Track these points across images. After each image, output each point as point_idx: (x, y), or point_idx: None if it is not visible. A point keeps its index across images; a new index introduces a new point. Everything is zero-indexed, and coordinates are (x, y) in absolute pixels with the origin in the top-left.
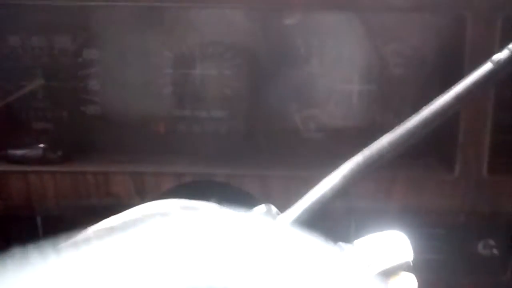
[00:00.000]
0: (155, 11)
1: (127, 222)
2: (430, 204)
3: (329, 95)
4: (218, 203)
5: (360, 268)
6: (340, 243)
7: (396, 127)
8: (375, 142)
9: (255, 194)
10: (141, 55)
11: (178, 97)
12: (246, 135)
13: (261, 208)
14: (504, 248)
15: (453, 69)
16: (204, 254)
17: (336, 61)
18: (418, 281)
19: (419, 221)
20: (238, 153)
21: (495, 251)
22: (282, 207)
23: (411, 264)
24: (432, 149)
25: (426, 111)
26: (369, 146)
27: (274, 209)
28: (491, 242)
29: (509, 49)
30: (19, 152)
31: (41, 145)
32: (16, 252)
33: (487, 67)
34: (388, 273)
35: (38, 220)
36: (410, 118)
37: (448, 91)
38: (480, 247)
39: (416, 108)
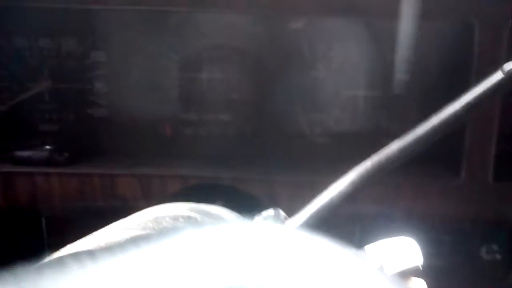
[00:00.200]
0: (162, 14)
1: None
2: (435, 210)
3: (335, 100)
4: (224, 206)
5: (378, 271)
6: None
7: (405, 133)
8: (384, 148)
9: (261, 198)
10: (148, 58)
11: (184, 100)
12: (252, 138)
13: (269, 212)
14: (507, 253)
15: (459, 76)
16: (229, 261)
17: (342, 66)
18: None
19: (424, 227)
20: (244, 157)
21: (498, 256)
22: (288, 211)
23: (421, 269)
24: (438, 155)
25: (436, 118)
26: (377, 152)
27: (282, 213)
28: (495, 247)
29: None
30: (25, 153)
31: (48, 147)
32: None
33: (497, 76)
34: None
35: (43, 221)
36: (419, 125)
37: (458, 99)
38: (483, 252)
39: (421, 114)
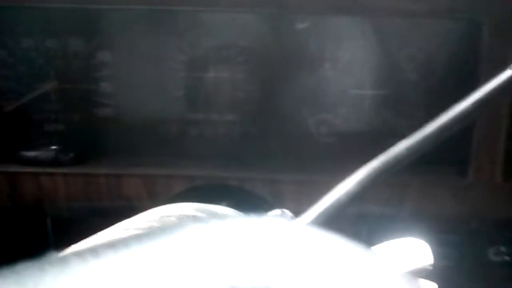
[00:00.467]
0: (168, 14)
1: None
2: (442, 210)
3: (342, 100)
4: (230, 206)
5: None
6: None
7: (414, 132)
8: (392, 147)
9: (268, 198)
10: (153, 58)
11: (190, 100)
12: (258, 138)
13: (276, 212)
14: None
15: (467, 74)
16: (237, 258)
17: (349, 65)
18: None
19: (431, 227)
20: (250, 157)
21: (506, 257)
22: (294, 211)
23: (432, 271)
24: (445, 154)
25: (445, 117)
26: (385, 152)
27: (288, 213)
28: (503, 248)
29: None
30: (31, 153)
31: (53, 147)
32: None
33: (506, 74)
34: None
35: (48, 221)
36: (427, 124)
37: (467, 98)
38: (491, 253)
39: (428, 114)
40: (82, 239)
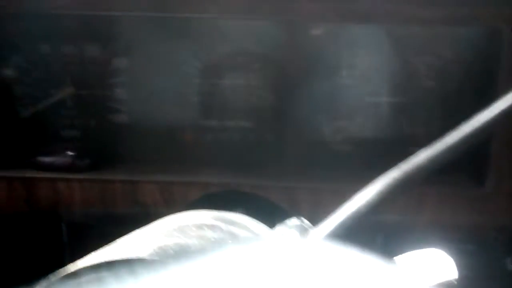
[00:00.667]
0: (184, 21)
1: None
2: (459, 220)
3: (358, 107)
4: (245, 214)
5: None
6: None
7: (433, 141)
8: (412, 156)
9: (283, 205)
10: (169, 64)
11: (205, 107)
12: (273, 145)
13: (293, 221)
14: None
15: (485, 82)
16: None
17: (365, 72)
18: None
19: (448, 236)
20: (265, 164)
21: None
22: (310, 219)
23: (456, 284)
24: (463, 164)
25: (467, 126)
26: (406, 161)
27: (306, 222)
28: None
29: None
30: (47, 159)
31: (70, 153)
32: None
33: None
34: None
35: (64, 227)
36: (448, 132)
37: (491, 106)
38: (509, 263)
39: (446, 122)
40: (97, 245)
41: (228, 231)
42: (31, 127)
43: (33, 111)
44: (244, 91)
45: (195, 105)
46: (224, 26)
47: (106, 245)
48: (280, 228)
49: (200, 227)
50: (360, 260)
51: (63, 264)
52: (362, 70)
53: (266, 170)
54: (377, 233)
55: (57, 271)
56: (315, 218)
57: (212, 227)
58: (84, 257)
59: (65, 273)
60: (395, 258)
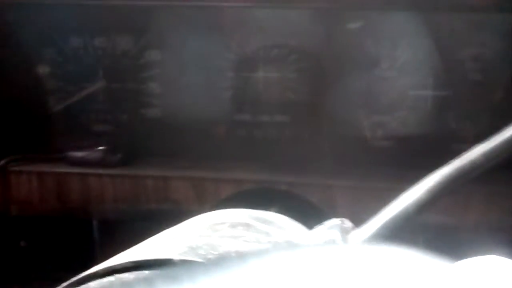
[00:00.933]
0: (218, 12)
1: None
2: (508, 221)
3: (400, 101)
4: (280, 212)
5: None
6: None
7: (493, 136)
8: (467, 152)
9: (320, 204)
10: (202, 57)
11: (239, 101)
12: (310, 141)
13: (333, 221)
14: None
15: None
16: None
17: (407, 65)
18: None
19: (495, 239)
20: (301, 160)
21: None
22: (347, 218)
23: None
24: None
25: None
26: (459, 157)
27: (348, 223)
28: None
29: None
30: (79, 154)
31: (101, 148)
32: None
33: None
34: None
35: (95, 223)
36: (509, 126)
37: None
38: None
39: (493, 116)
40: (128, 241)
41: (263, 230)
42: (62, 121)
43: (64, 105)
44: (279, 84)
45: (228, 99)
46: (259, 17)
47: (137, 243)
48: (319, 229)
49: (234, 226)
50: (421, 264)
51: (94, 260)
52: (403, 62)
53: (302, 167)
54: (418, 235)
55: (84, 271)
56: (353, 218)
57: (246, 226)
58: (114, 256)
59: (90, 274)
60: (453, 264)
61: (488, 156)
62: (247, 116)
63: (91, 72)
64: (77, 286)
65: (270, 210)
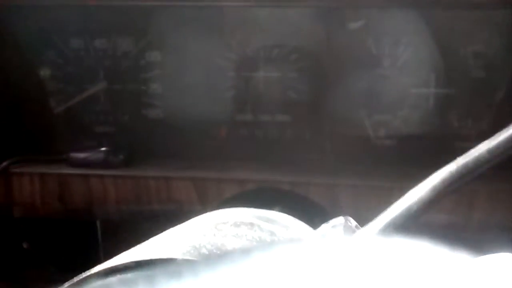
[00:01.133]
0: (217, 12)
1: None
2: None
3: (402, 100)
4: (283, 212)
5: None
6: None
7: (498, 133)
8: (472, 149)
9: (322, 203)
10: (203, 57)
11: (240, 101)
12: (311, 141)
13: (338, 220)
14: None
15: None
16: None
17: (409, 63)
18: None
19: (501, 238)
20: (303, 160)
21: None
22: (351, 217)
23: None
24: None
25: None
26: (464, 154)
27: (353, 222)
28: None
29: None
30: (81, 155)
31: (103, 149)
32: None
33: None
34: None
35: (98, 224)
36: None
37: None
38: None
39: (496, 115)
40: (131, 242)
41: (267, 229)
42: (64, 123)
43: (66, 106)
44: (280, 84)
45: (229, 99)
46: (260, 17)
47: (140, 243)
48: (324, 228)
49: (237, 225)
50: (438, 258)
51: (98, 261)
52: (404, 60)
53: (304, 166)
54: (422, 235)
55: (86, 272)
56: (356, 217)
57: (250, 225)
58: (117, 256)
59: (92, 273)
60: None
61: (493, 153)
62: (248, 116)
63: (92, 74)
64: (79, 286)
65: (273, 210)
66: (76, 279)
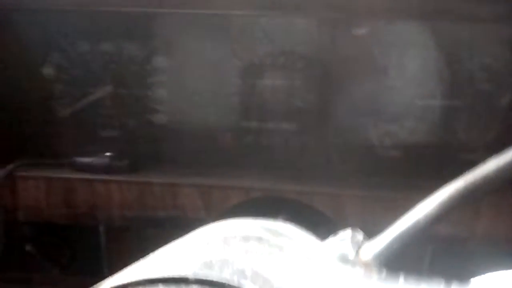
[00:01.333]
0: (225, 19)
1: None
2: None
3: (408, 110)
4: (287, 221)
5: None
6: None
7: (501, 147)
8: (480, 166)
9: (326, 212)
10: (209, 64)
11: (246, 108)
12: (316, 149)
13: (346, 233)
14: None
15: None
16: None
17: (415, 73)
18: None
19: (504, 251)
20: (308, 169)
21: None
22: (356, 227)
23: None
24: None
25: None
26: (472, 170)
27: (360, 235)
28: None
29: None
30: (86, 160)
31: (108, 154)
32: None
33: None
34: None
35: (101, 229)
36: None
37: None
38: None
39: (502, 127)
40: (134, 248)
41: (276, 244)
42: (69, 127)
43: (71, 110)
44: (286, 92)
45: (235, 106)
46: (266, 24)
47: (143, 250)
48: (331, 241)
49: (246, 239)
50: None
51: (101, 266)
52: (411, 71)
53: (309, 175)
54: (426, 246)
55: (95, 286)
56: (361, 227)
57: (258, 240)
58: (124, 269)
59: None
60: (472, 279)
61: (501, 170)
62: (253, 124)
63: (98, 78)
64: None
65: (278, 219)
66: None
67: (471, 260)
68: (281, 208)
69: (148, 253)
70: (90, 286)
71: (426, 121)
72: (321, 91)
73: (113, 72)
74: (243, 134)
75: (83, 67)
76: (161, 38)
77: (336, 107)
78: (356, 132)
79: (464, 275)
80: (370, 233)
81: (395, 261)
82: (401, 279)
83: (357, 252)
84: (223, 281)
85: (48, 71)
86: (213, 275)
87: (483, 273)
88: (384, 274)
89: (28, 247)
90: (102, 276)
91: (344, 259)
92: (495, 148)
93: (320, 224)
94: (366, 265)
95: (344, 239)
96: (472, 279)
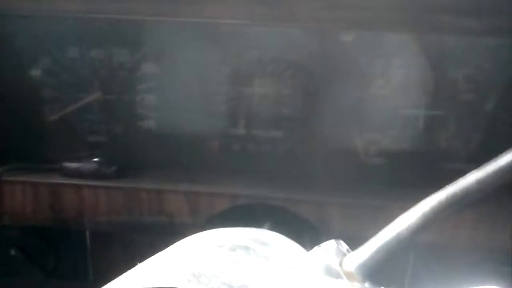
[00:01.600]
0: (214, 27)
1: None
2: (499, 241)
3: (392, 119)
4: (273, 228)
5: None
6: None
7: (486, 163)
8: (461, 178)
9: (312, 220)
10: (198, 71)
11: (234, 115)
12: (303, 157)
13: (330, 244)
14: None
15: None
16: None
17: (400, 83)
18: None
19: (485, 258)
20: (294, 176)
21: None
22: (340, 235)
23: None
24: None
25: None
26: (453, 183)
27: (344, 245)
28: None
29: None
30: (73, 165)
31: (96, 159)
32: None
33: None
34: None
35: (87, 234)
36: (503, 154)
37: None
38: None
39: (484, 137)
40: (121, 254)
41: (262, 254)
42: (57, 132)
43: (59, 115)
44: (273, 99)
45: (223, 113)
46: (255, 32)
47: (130, 255)
48: (316, 251)
49: (233, 249)
50: None
51: (86, 271)
52: (396, 80)
53: (295, 182)
54: (408, 253)
55: None
56: (345, 234)
57: (246, 250)
58: (111, 276)
59: None
60: None
61: (482, 183)
62: (241, 131)
63: (87, 83)
64: None
65: (264, 226)
66: None
67: (453, 268)
68: (267, 215)
69: (133, 259)
70: None
71: (411, 130)
72: (307, 99)
73: (102, 78)
74: (231, 141)
75: (72, 72)
76: (151, 45)
77: (322, 115)
78: (341, 140)
79: (446, 284)
80: (355, 240)
81: (378, 271)
82: None
83: (341, 263)
84: None
85: (37, 76)
86: (201, 286)
87: (465, 282)
88: (367, 284)
89: (13, 252)
90: (87, 281)
91: (328, 270)
92: (478, 158)
93: (305, 231)
94: (349, 276)
95: (328, 249)
96: None
